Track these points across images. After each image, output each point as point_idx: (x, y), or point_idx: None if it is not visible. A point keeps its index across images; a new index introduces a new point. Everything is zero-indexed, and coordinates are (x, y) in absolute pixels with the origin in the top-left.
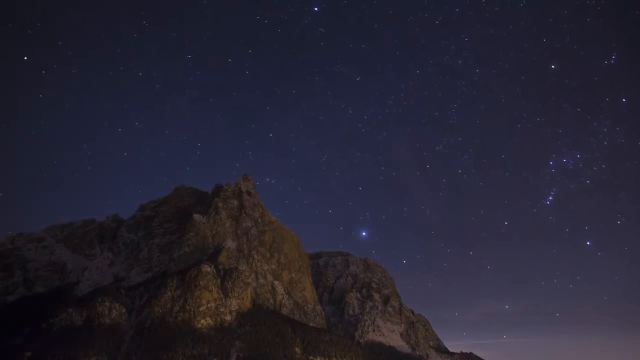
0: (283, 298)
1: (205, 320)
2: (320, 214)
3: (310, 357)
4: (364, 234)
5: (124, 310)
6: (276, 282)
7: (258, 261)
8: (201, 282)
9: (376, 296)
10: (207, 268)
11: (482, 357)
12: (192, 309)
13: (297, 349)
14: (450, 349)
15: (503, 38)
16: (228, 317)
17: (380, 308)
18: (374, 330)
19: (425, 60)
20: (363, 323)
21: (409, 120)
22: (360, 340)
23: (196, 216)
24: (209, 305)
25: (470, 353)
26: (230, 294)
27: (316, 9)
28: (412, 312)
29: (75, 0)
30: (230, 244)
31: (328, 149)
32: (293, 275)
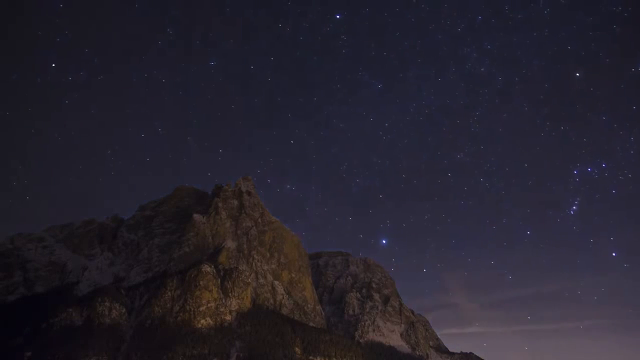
0: (283, 298)
1: (205, 320)
2: (340, 221)
3: (310, 357)
4: (384, 242)
5: (124, 310)
6: (276, 282)
7: (258, 261)
8: (201, 282)
9: (376, 296)
10: (207, 268)
11: (482, 358)
12: (192, 309)
13: (297, 349)
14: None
15: (526, 45)
16: (228, 317)
17: (380, 308)
18: (374, 330)
19: (446, 68)
20: (363, 323)
21: (431, 128)
22: (360, 340)
23: (196, 216)
24: (209, 305)
25: (470, 353)
26: (230, 294)
27: (338, 16)
28: (412, 312)
29: (102, 10)
30: (230, 244)
31: (349, 157)
32: (293, 275)
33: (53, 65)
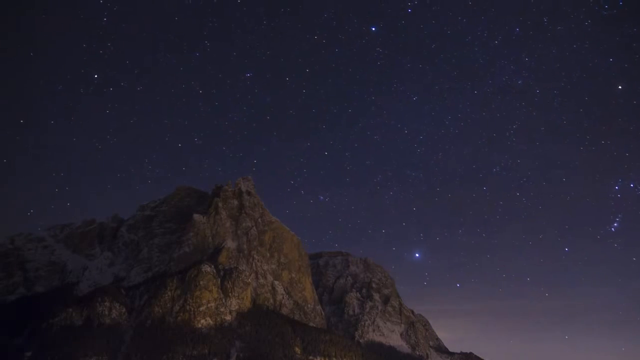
0: (283, 298)
1: (205, 320)
2: (373, 233)
3: (310, 357)
4: (417, 255)
5: (124, 310)
6: (276, 282)
7: (258, 261)
8: (201, 282)
9: (376, 296)
10: (207, 268)
11: (482, 358)
12: (192, 309)
13: (297, 349)
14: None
15: (566, 57)
16: (228, 317)
17: (380, 308)
18: (374, 330)
19: (483, 80)
20: (363, 323)
21: (466, 141)
22: (360, 340)
23: (196, 216)
24: (209, 305)
25: (470, 353)
26: (230, 294)
27: (373, 29)
28: (412, 312)
29: (143, 23)
30: (230, 244)
31: (383, 169)
32: (293, 275)
33: (95, 76)
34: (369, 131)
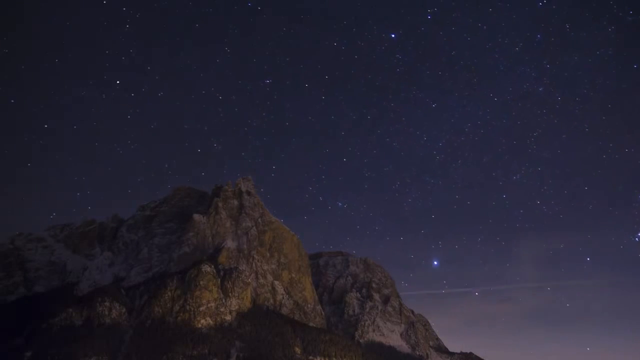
0: (283, 298)
1: (205, 320)
2: (391, 240)
3: (310, 357)
4: (435, 263)
5: (124, 310)
6: (276, 282)
7: (258, 261)
8: (201, 282)
9: (376, 296)
10: (207, 268)
11: (482, 358)
12: (192, 309)
13: (297, 349)
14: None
15: (589, 65)
16: (228, 317)
17: (380, 308)
18: (374, 330)
19: (503, 87)
20: (363, 323)
21: (486, 149)
22: (360, 340)
23: (196, 216)
24: (209, 305)
25: (470, 353)
26: (230, 294)
27: (393, 35)
28: (412, 312)
29: (164, 30)
30: (230, 244)
31: (401, 175)
32: (293, 275)
33: (117, 82)
34: (388, 138)
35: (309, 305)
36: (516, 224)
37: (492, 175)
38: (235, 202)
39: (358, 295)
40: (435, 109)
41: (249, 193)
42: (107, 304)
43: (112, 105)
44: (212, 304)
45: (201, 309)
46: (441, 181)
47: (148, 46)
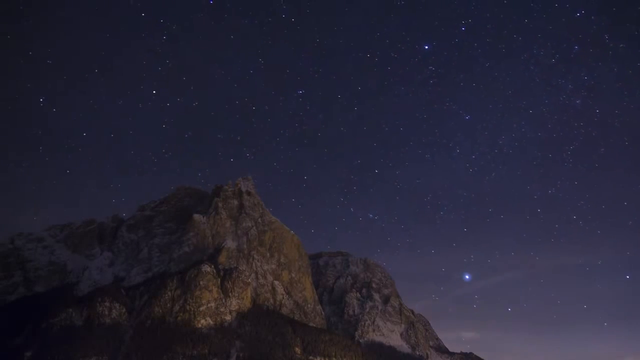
0: (283, 298)
1: (205, 320)
2: (422, 253)
3: (310, 357)
4: (467, 277)
5: (124, 310)
6: (276, 282)
7: (258, 261)
8: (201, 282)
9: (376, 296)
10: (207, 268)
11: (482, 358)
12: (192, 309)
13: (297, 349)
14: None
15: (629, 76)
16: (228, 317)
17: (380, 308)
18: (374, 330)
19: (539, 100)
20: (363, 323)
21: (520, 162)
22: (360, 340)
23: (196, 216)
24: (209, 305)
25: (470, 353)
26: (230, 294)
27: (427, 47)
28: (412, 312)
29: (200, 40)
30: (230, 244)
31: (433, 188)
32: (293, 275)
33: (154, 92)
34: (420, 150)
35: (309, 305)
36: (551, 239)
37: (527, 189)
38: (235, 202)
39: (358, 295)
40: (469, 121)
41: (249, 193)
42: (107, 304)
43: (148, 114)
44: (212, 304)
45: (201, 309)
46: (474, 194)
47: (183, 57)
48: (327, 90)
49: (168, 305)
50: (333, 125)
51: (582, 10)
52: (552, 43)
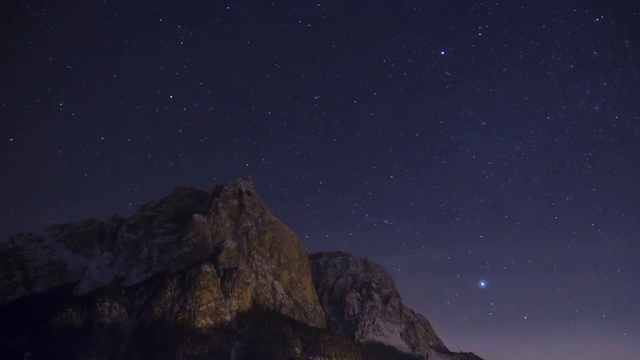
0: (283, 298)
1: (205, 320)
2: (437, 260)
3: (310, 357)
4: (482, 284)
5: (124, 310)
6: (276, 282)
7: (258, 261)
8: (201, 282)
9: (376, 296)
10: (207, 268)
11: (482, 358)
12: (192, 309)
13: (297, 349)
14: None
15: None
16: (228, 317)
17: (380, 308)
18: (374, 330)
19: (556, 105)
20: (363, 323)
21: (537, 168)
22: (360, 340)
23: (196, 216)
24: (209, 305)
25: (471, 353)
26: (230, 294)
27: (443, 53)
28: (412, 312)
29: (217, 45)
30: (230, 244)
31: (449, 194)
32: (293, 275)
33: (171, 97)
34: (436, 155)
35: (309, 305)
36: (568, 246)
37: (544, 196)
38: (235, 202)
39: (358, 295)
40: (485, 127)
41: (249, 193)
42: (107, 304)
43: (165, 119)
44: (212, 304)
45: (201, 309)
46: (490, 200)
47: (201, 62)
48: (342, 96)
49: (168, 305)
50: (348, 130)
51: (602, 15)
52: (570, 48)
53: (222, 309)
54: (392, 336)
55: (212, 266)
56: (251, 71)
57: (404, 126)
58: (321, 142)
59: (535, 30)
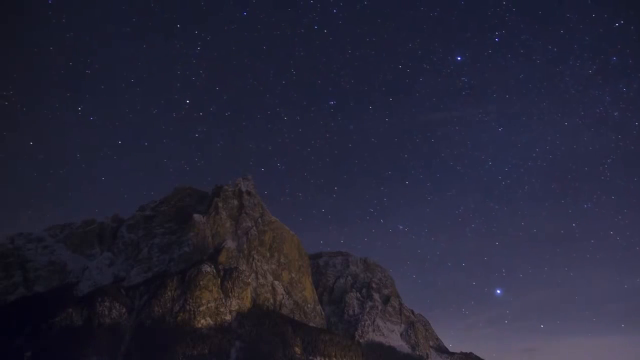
0: (283, 298)
1: (205, 320)
2: (452, 266)
3: (310, 357)
4: (498, 291)
5: (124, 310)
6: (276, 282)
7: (258, 261)
8: (201, 282)
9: (376, 296)
10: (207, 268)
11: (482, 358)
12: (192, 309)
13: (297, 349)
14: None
15: None
16: (228, 317)
17: (380, 308)
18: (373, 330)
19: (575, 112)
20: (363, 323)
21: (555, 175)
22: (360, 340)
23: (196, 216)
24: (209, 305)
25: (470, 353)
26: (230, 294)
27: (459, 58)
28: (412, 312)
29: (234, 52)
30: (230, 244)
31: (465, 201)
32: (293, 275)
33: (187, 102)
34: (452, 162)
35: (309, 305)
36: (587, 254)
37: (561, 203)
38: (235, 202)
39: (358, 295)
40: (502, 133)
41: (249, 193)
42: (107, 304)
43: (182, 123)
44: (212, 304)
45: (201, 309)
46: (506, 207)
47: (217, 67)
48: (358, 101)
49: (168, 305)
50: (364, 136)
51: (621, 20)
52: (589, 54)
53: (222, 309)
54: (392, 336)
55: (212, 266)
56: (267, 76)
57: (419, 132)
58: (336, 148)
59: (553, 36)
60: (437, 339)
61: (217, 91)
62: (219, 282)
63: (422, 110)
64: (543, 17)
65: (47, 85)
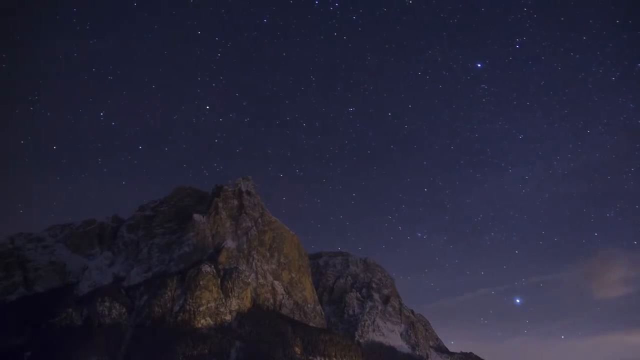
0: (283, 298)
1: (205, 320)
2: (471, 274)
3: (310, 357)
4: (517, 300)
5: (124, 310)
6: (276, 282)
7: (258, 261)
8: (201, 282)
9: (376, 296)
10: (207, 268)
11: (482, 358)
12: (192, 309)
13: (297, 349)
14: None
15: None
16: (228, 317)
17: (380, 308)
18: (373, 330)
19: (597, 119)
20: (363, 323)
21: (576, 183)
22: (360, 340)
23: (196, 216)
24: (209, 305)
25: (470, 353)
26: (230, 294)
27: (479, 65)
28: (412, 312)
29: (254, 58)
30: (230, 244)
31: (484, 208)
32: (293, 275)
33: (207, 107)
34: (471, 169)
35: (309, 305)
36: (608, 263)
37: (583, 212)
38: (235, 202)
39: (358, 295)
40: (522, 141)
41: (249, 193)
42: (107, 304)
43: (202, 129)
44: (212, 304)
45: (201, 309)
46: (526, 215)
47: (237, 73)
48: (377, 108)
49: (168, 305)
50: (383, 142)
51: None
52: (612, 61)
53: (222, 309)
54: (392, 336)
55: (212, 266)
56: (287, 83)
57: (439, 139)
58: (355, 154)
59: (575, 42)
60: (437, 339)
61: (237, 97)
62: (219, 282)
63: (441, 117)
64: (565, 24)
65: (70, 91)
